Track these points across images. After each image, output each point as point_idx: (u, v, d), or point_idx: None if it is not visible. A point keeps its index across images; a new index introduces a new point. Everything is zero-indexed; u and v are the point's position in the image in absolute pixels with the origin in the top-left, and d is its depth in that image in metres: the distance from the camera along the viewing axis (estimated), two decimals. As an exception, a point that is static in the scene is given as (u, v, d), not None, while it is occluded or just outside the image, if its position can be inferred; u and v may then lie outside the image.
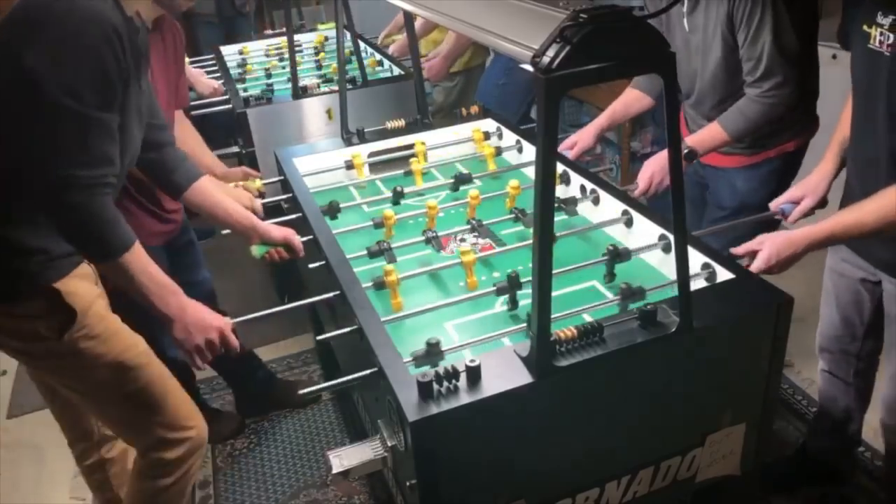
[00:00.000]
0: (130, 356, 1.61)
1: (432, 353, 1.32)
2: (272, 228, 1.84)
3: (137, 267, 1.46)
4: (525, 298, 1.61)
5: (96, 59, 1.33)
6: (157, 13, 1.64)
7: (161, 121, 1.75)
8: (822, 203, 1.82)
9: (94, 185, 1.37)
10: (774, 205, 1.84)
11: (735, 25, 1.88)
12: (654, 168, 2.05)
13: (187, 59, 3.49)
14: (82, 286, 1.56)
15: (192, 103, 2.91)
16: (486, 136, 2.36)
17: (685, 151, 1.96)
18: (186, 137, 2.26)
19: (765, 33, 1.83)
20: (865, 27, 1.53)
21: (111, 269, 1.47)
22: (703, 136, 2.00)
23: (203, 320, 1.54)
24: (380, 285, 1.58)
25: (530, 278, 1.45)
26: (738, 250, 1.57)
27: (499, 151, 2.27)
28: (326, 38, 3.62)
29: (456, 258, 1.71)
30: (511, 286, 1.51)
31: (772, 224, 1.95)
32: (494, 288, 1.52)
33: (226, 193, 1.95)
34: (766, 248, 1.53)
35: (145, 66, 1.57)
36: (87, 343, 1.54)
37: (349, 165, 2.21)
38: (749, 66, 1.90)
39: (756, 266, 1.52)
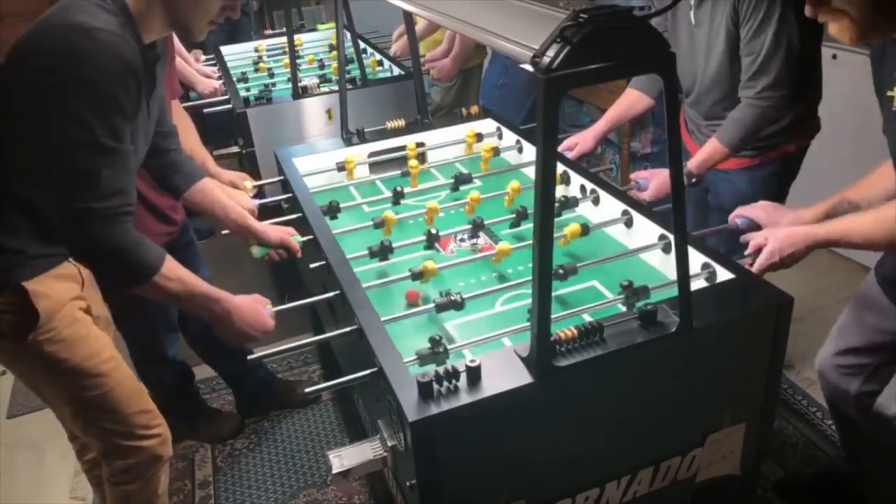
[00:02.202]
0: (92, 364, 1.59)
1: (436, 350, 1.32)
2: (269, 229, 1.86)
3: (171, 284, 1.48)
4: (523, 299, 1.62)
5: (114, 98, 1.33)
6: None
7: (168, 127, 1.76)
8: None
9: (110, 215, 1.38)
10: (732, 217, 1.75)
11: (740, 18, 1.88)
12: (658, 182, 2.03)
13: (204, 57, 3.50)
14: (57, 287, 1.53)
15: (193, 103, 2.91)
16: (479, 137, 2.36)
17: (692, 180, 2.00)
18: (182, 129, 2.23)
19: (768, 28, 1.83)
20: (889, 92, 1.40)
21: (144, 290, 1.47)
22: (703, 156, 2.01)
23: (249, 327, 1.62)
24: (418, 275, 1.60)
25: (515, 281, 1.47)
26: (749, 247, 1.57)
27: (497, 152, 2.27)
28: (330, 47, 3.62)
29: (456, 258, 1.71)
30: (451, 303, 1.48)
31: None
32: (433, 304, 1.48)
33: (226, 194, 1.95)
34: (770, 242, 1.53)
35: (161, 86, 1.57)
36: (52, 347, 1.53)
37: (340, 167, 2.20)
38: (747, 62, 1.90)
39: (760, 261, 1.52)
